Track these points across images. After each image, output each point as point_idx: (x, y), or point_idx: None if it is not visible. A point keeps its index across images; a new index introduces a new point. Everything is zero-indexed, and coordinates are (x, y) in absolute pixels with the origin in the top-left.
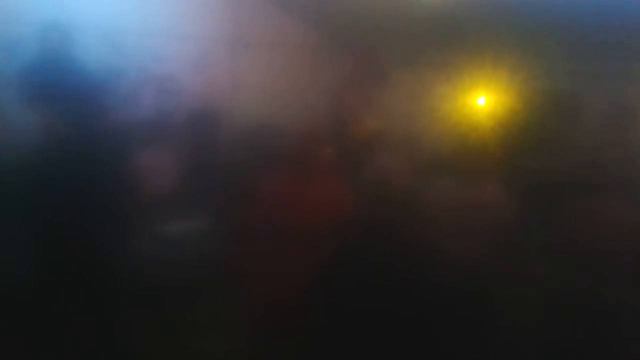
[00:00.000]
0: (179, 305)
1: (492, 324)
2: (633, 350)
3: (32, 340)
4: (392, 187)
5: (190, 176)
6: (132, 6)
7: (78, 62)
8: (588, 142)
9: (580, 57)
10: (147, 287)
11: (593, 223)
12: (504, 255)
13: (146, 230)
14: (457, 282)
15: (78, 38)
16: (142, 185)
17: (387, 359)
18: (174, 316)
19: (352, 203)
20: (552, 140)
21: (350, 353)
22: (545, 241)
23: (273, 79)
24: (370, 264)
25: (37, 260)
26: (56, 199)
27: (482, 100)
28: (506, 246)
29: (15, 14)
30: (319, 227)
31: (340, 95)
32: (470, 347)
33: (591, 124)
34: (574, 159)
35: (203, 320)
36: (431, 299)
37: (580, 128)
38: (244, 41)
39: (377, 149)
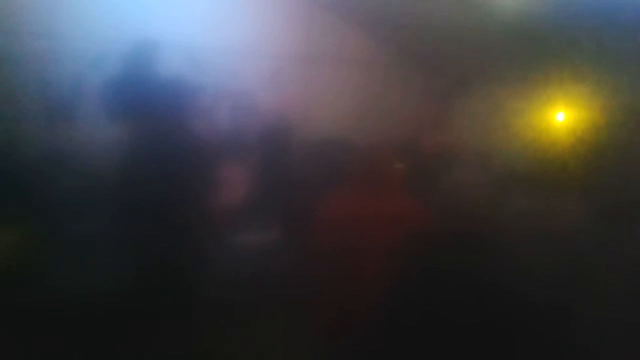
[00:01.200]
0: (250, 319)
1: (571, 339)
2: None
3: (107, 348)
4: (466, 205)
5: (263, 190)
6: (210, 24)
7: (159, 78)
8: None
9: None
10: (218, 300)
11: None
12: (583, 274)
13: (220, 243)
14: (534, 298)
15: (159, 54)
16: (216, 199)
17: None
18: (245, 330)
19: (424, 219)
20: (633, 158)
21: None
22: (625, 259)
23: (346, 95)
24: (442, 281)
25: (117, 269)
26: (135, 211)
27: (560, 116)
28: (585, 264)
29: (99, 31)
30: (390, 242)
31: (414, 111)
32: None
33: None
34: None
35: (273, 334)
36: (507, 314)
37: None
38: (318, 57)
39: (450, 165)
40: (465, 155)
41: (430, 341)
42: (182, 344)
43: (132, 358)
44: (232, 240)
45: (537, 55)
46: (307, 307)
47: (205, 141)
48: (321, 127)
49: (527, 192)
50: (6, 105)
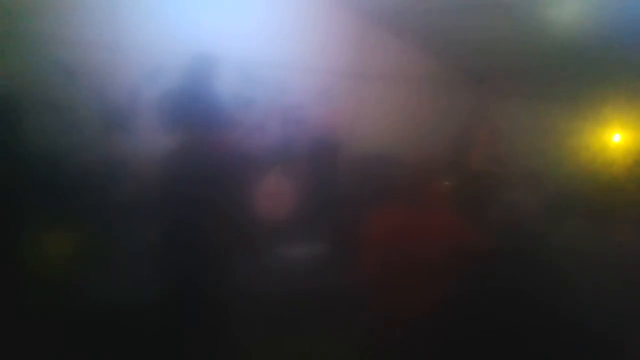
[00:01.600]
0: (295, 332)
1: None
2: None
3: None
4: (515, 225)
5: (311, 204)
6: (261, 39)
7: (213, 91)
8: None
9: None
10: (262, 311)
11: None
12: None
13: (267, 255)
14: (588, 320)
15: (214, 68)
16: (265, 211)
17: None
18: (290, 342)
19: (471, 238)
20: None
21: None
22: None
23: (395, 111)
24: (490, 302)
25: (161, 278)
26: (185, 221)
27: (616, 137)
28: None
29: (158, 46)
30: (435, 259)
31: (464, 128)
32: None
33: None
34: None
35: (318, 347)
36: (559, 335)
37: None
38: (367, 73)
39: (500, 183)
40: (516, 175)
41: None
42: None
43: None
44: (282, 254)
45: (593, 73)
46: (353, 322)
47: (256, 154)
48: (371, 143)
49: (581, 214)
50: (67, 114)
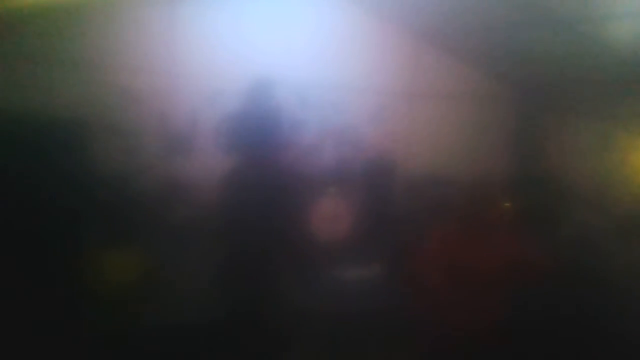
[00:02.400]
0: (353, 352)
1: None
2: None
3: None
4: (577, 246)
5: (366, 224)
6: (315, 61)
7: (271, 114)
8: None
9: None
10: (319, 332)
11: None
12: None
13: (324, 276)
14: None
15: (271, 92)
16: (321, 232)
17: None
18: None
19: (531, 259)
20: None
21: None
22: None
23: (449, 130)
24: (553, 325)
25: (216, 296)
26: (244, 242)
27: None
28: None
29: (218, 70)
30: (494, 279)
31: (521, 147)
32: None
33: None
34: None
35: None
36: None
37: None
38: (420, 93)
39: (562, 204)
40: (578, 194)
41: None
42: None
43: None
44: (339, 275)
45: None
46: (410, 343)
47: (312, 175)
48: (426, 162)
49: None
50: (129, 138)
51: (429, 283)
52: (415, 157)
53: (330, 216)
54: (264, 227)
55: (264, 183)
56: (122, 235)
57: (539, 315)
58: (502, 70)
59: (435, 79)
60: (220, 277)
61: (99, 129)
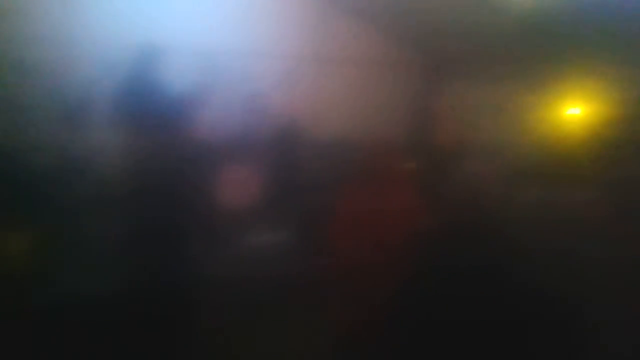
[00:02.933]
0: (259, 320)
1: (576, 334)
2: None
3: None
4: (477, 200)
5: (274, 191)
6: (219, 26)
7: (167, 81)
8: None
9: None
10: (226, 300)
11: None
12: (594, 267)
13: (232, 246)
14: (543, 293)
15: (168, 58)
16: (227, 202)
17: None
18: (252, 330)
19: (435, 216)
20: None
21: None
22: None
23: (356, 94)
24: (453, 277)
25: (125, 272)
26: (148, 215)
27: (572, 110)
28: (592, 258)
29: (106, 37)
30: (401, 240)
31: (423, 109)
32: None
33: None
34: None
35: (281, 335)
36: (518, 307)
37: None
38: (328, 57)
39: (461, 162)
40: (476, 152)
41: (441, 338)
42: (189, 347)
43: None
44: (244, 243)
45: (549, 49)
46: (316, 307)
47: (216, 143)
48: (332, 127)
49: (539, 187)
50: (15, 110)
51: (338, 246)
52: (323, 122)
53: (238, 184)
54: (170, 199)
55: (168, 154)
56: (16, 213)
57: (441, 269)
58: (405, 35)
59: (341, 44)
60: (125, 249)
61: None
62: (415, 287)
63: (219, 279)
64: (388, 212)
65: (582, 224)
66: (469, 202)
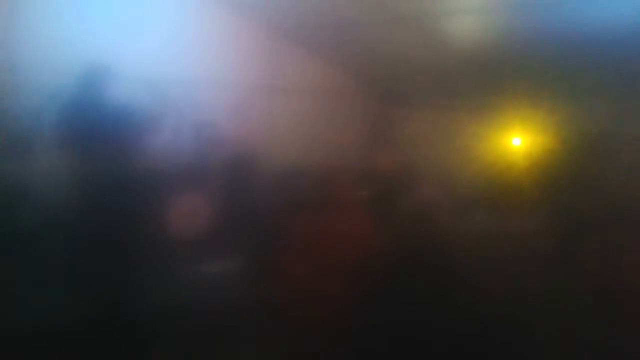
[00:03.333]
0: (205, 348)
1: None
2: None
3: None
4: (426, 227)
5: (225, 220)
6: (172, 55)
7: (117, 108)
8: (624, 182)
9: (618, 97)
10: (175, 329)
11: (627, 262)
12: (537, 293)
13: (184, 272)
14: (494, 319)
15: (117, 85)
16: (179, 229)
17: None
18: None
19: (385, 242)
20: (587, 180)
21: None
22: (577, 279)
23: (307, 124)
24: (403, 302)
25: (64, 302)
26: (89, 243)
27: (516, 141)
28: (539, 283)
29: (55, 61)
30: (353, 267)
31: (373, 139)
32: None
33: (627, 164)
34: (610, 198)
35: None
36: (468, 334)
37: (616, 168)
38: (279, 88)
39: (410, 189)
40: (422, 180)
41: None
42: None
43: None
44: (197, 269)
45: (493, 81)
46: (267, 332)
47: (167, 171)
48: (284, 156)
49: (483, 215)
50: None
51: (290, 272)
52: (272, 151)
53: (189, 213)
54: (120, 224)
55: (116, 183)
56: None
57: (395, 294)
58: (352, 66)
59: (291, 73)
60: (71, 279)
61: None
62: (362, 311)
63: (165, 303)
64: (336, 237)
65: (525, 252)
66: (414, 229)
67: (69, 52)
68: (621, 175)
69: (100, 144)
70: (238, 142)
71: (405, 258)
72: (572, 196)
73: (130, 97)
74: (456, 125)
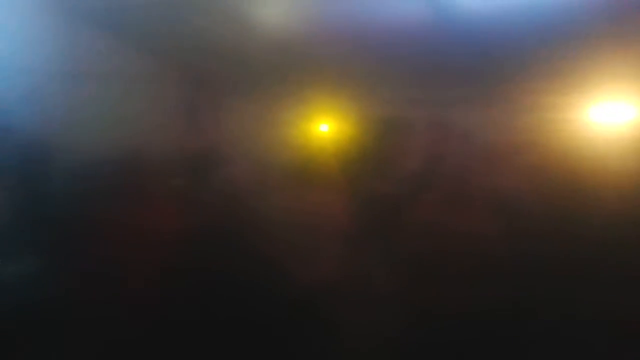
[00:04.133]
0: None
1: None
2: None
3: None
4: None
5: (25, 211)
6: None
7: None
8: (417, 160)
9: (412, 85)
10: None
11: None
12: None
13: None
14: (294, 296)
15: None
16: None
17: None
18: None
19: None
20: (385, 161)
21: None
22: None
23: (112, 110)
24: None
25: None
26: None
27: (322, 127)
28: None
29: None
30: (167, 248)
31: (180, 125)
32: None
33: (421, 145)
34: (406, 179)
35: None
36: (265, 311)
37: (410, 149)
38: (80, 73)
39: (219, 172)
40: (232, 161)
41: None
42: None
43: None
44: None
45: (298, 71)
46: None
47: None
48: (89, 145)
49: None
50: None
51: (101, 260)
52: (75, 139)
53: None
54: None
55: None
56: None
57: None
58: (164, 51)
59: (91, 58)
60: None
61: None
62: (175, 303)
63: None
64: (145, 226)
65: (329, 230)
66: (222, 213)
67: None
68: (416, 157)
69: None
70: (34, 130)
71: (213, 245)
72: (372, 177)
73: None
74: (264, 111)
